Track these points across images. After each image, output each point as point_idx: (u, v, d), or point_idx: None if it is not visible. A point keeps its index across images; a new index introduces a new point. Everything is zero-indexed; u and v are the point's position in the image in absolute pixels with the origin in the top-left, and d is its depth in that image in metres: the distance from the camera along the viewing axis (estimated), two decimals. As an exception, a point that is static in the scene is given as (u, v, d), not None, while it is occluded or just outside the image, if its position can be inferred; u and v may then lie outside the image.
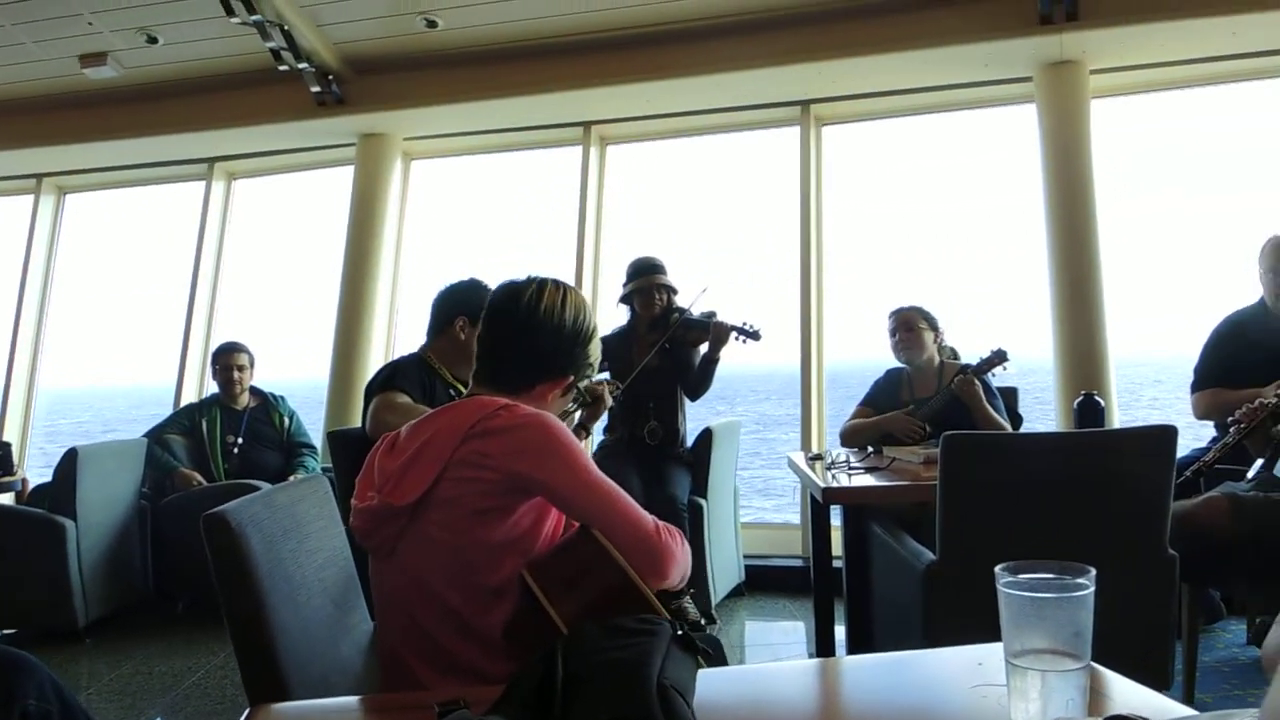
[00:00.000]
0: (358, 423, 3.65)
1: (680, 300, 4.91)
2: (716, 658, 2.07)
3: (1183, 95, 6.14)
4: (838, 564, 3.89)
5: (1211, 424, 4.19)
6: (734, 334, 4.64)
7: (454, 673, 1.78)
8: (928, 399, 4.22)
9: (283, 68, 6.05)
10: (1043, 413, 6.38)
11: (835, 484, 3.36)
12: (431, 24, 5.96)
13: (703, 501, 4.75)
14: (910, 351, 4.31)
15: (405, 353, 3.80)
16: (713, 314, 4.76)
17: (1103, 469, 2.77)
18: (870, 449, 3.93)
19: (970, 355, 4.25)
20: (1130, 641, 2.80)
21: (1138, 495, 2.80)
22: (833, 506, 3.49)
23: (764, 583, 5.50)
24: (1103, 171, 5.60)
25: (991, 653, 1.19)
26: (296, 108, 6.41)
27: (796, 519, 6.19)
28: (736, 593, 5.30)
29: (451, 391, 3.56)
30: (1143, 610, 2.85)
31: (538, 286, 2.02)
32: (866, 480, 3.46)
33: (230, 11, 5.59)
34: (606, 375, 4.71)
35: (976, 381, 4.08)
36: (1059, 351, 5.47)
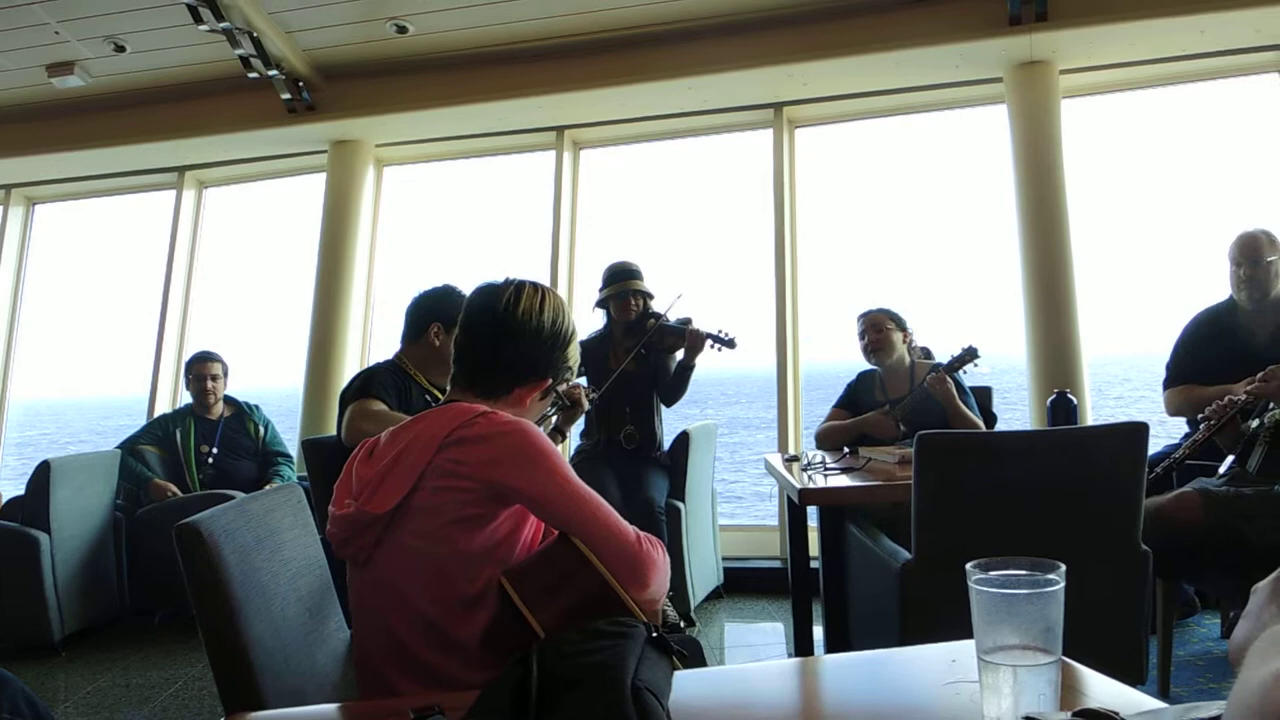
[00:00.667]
0: (333, 431, 3.63)
1: (656, 305, 4.91)
2: (695, 659, 2.07)
3: (1152, 94, 6.20)
4: (816, 564, 3.91)
5: (1183, 420, 4.23)
6: (710, 341, 4.65)
7: (432, 683, 1.76)
8: (901, 399, 4.24)
9: (252, 75, 6.02)
10: (1017, 412, 6.42)
11: (811, 485, 3.37)
12: (402, 29, 5.95)
13: (680, 505, 4.75)
14: (879, 353, 4.34)
15: (380, 360, 3.79)
16: (689, 320, 4.77)
17: (1076, 466, 2.79)
18: (846, 450, 3.95)
19: (944, 354, 4.27)
20: (1105, 636, 2.83)
21: (1110, 492, 2.82)
22: (809, 507, 3.51)
23: (743, 584, 5.51)
24: (1074, 170, 5.65)
25: (965, 649, 1.20)
26: (267, 115, 6.38)
27: (771, 520, 6.20)
28: (715, 595, 5.31)
29: (428, 397, 3.54)
30: (1117, 605, 2.87)
31: (515, 289, 2.00)
32: (842, 481, 3.48)
33: (198, 19, 5.56)
34: (584, 380, 4.71)
35: (949, 379, 4.10)
36: (1032, 350, 5.51)
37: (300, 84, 6.26)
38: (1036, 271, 5.53)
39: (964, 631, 1.19)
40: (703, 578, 5.05)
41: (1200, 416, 3.71)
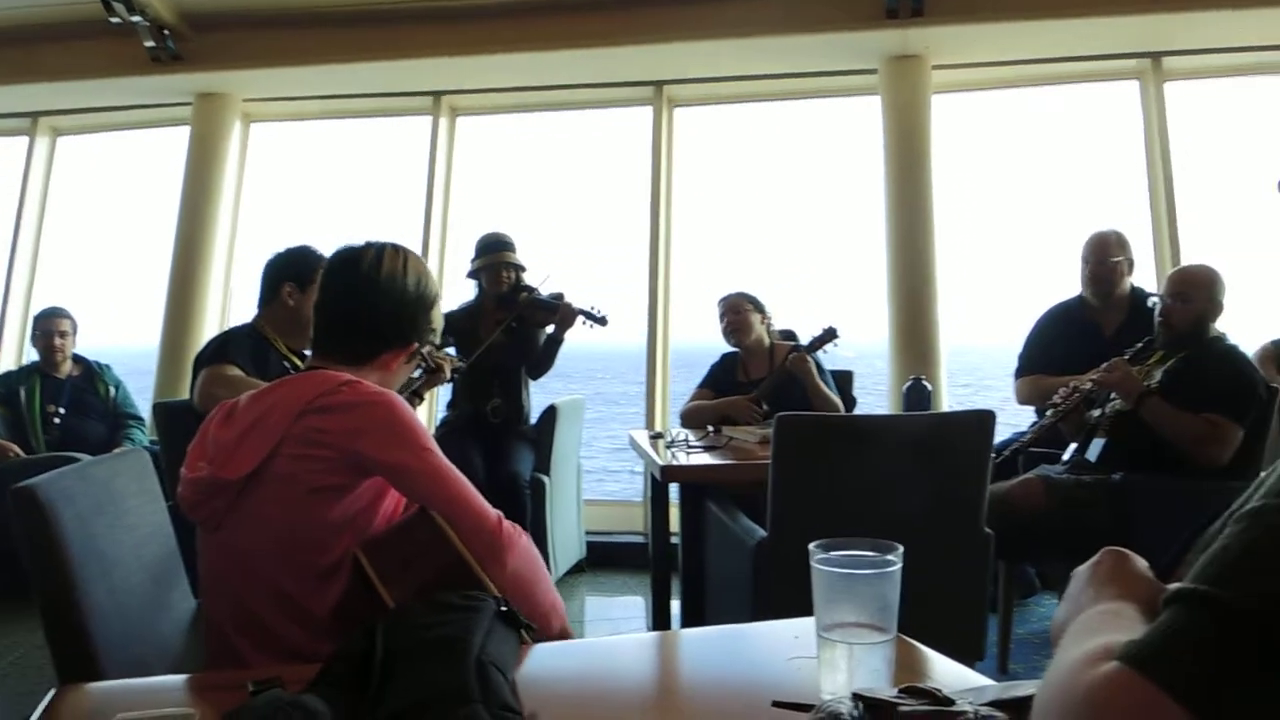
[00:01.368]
0: (188, 394, 3.52)
1: (529, 278, 4.88)
2: (550, 633, 2.07)
3: (1020, 94, 6.43)
4: (677, 540, 3.96)
5: (1032, 409, 4.41)
6: (582, 318, 4.65)
7: (281, 653, 1.72)
8: (761, 379, 4.32)
9: (115, 20, 5.73)
10: (879, 396, 6.59)
11: (674, 463, 3.41)
12: (277, -19, 5.76)
13: (545, 479, 4.75)
14: (739, 334, 4.43)
15: (239, 324, 3.69)
16: (561, 295, 4.75)
17: (926, 450, 2.89)
18: (710, 429, 4.00)
19: (809, 337, 4.36)
20: (947, 615, 2.93)
21: (957, 476, 2.93)
22: (672, 484, 3.56)
23: (606, 559, 5.54)
24: (941, 164, 5.81)
25: (807, 626, 1.23)
26: (128, 63, 6.09)
27: (636, 496, 6.25)
28: (578, 569, 5.33)
29: (286, 364, 3.46)
30: (960, 585, 2.98)
31: (376, 252, 1.94)
32: (704, 459, 3.53)
33: (58, -43, 5.29)
34: (452, 351, 4.66)
35: (809, 359, 4.19)
36: (893, 337, 5.66)
37: (165, 32, 5.99)
38: (900, 261, 5.68)
39: (813, 608, 1.23)
40: (565, 551, 5.06)
41: (1049, 404, 3.88)
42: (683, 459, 3.51)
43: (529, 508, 4.46)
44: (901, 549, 1.15)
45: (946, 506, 2.94)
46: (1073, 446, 3.76)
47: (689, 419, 4.39)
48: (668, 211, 6.24)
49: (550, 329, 4.77)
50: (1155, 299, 3.78)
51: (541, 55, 5.85)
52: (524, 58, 5.89)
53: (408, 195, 6.57)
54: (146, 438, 5.31)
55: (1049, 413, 3.85)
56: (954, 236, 6.09)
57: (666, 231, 6.22)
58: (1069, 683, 0.67)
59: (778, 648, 1.44)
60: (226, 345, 3.44)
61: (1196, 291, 3.59)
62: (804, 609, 1.41)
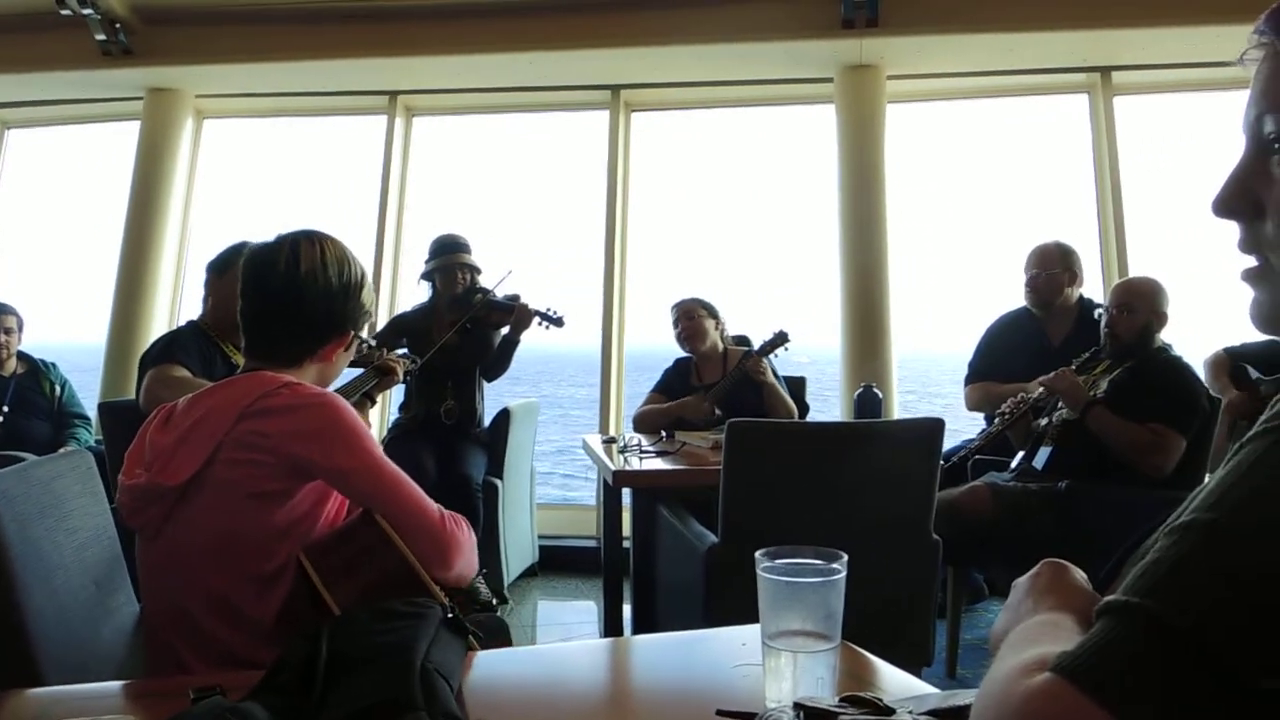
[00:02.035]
0: (134, 394, 3.47)
1: (484, 280, 4.87)
2: (502, 638, 2.07)
3: (973, 106, 6.52)
4: (629, 545, 3.97)
5: (981, 416, 4.47)
6: (538, 319, 4.64)
7: (224, 660, 1.70)
8: (714, 384, 4.34)
9: (65, 12, 5.64)
10: (831, 403, 6.63)
11: (626, 467, 3.41)
12: (231, -23, 5.70)
13: (498, 482, 4.73)
14: (693, 340, 4.46)
15: (185, 323, 3.66)
16: (516, 297, 4.74)
17: (876, 457, 2.91)
18: (663, 433, 4.01)
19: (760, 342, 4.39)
20: (896, 621, 2.97)
21: (906, 483, 2.96)
22: (624, 489, 3.56)
23: (559, 563, 5.53)
24: (894, 173, 5.86)
25: (756, 633, 1.23)
26: (78, 56, 5.99)
27: (590, 500, 6.25)
28: (530, 573, 5.31)
29: (234, 362, 3.43)
30: (909, 591, 3.01)
31: (291, 247, 1.86)
32: (657, 464, 3.53)
33: (6, -53, 5.20)
34: (404, 351, 4.63)
35: (764, 361, 4.22)
36: (846, 344, 5.70)
37: (117, 25, 5.91)
38: (853, 268, 5.72)
39: (762, 615, 1.23)
40: (518, 555, 5.04)
41: (998, 412, 3.93)
42: (635, 464, 3.51)
43: (481, 511, 4.44)
44: (846, 557, 1.16)
45: (896, 513, 2.96)
46: (1020, 455, 3.81)
47: (642, 423, 4.40)
48: (623, 215, 6.25)
49: (505, 330, 4.76)
50: (1101, 310, 3.84)
51: (498, 57, 5.84)
52: (481, 59, 5.87)
53: (363, 195, 6.53)
54: (92, 438, 5.22)
55: (996, 421, 3.91)
56: (907, 245, 6.15)
57: (622, 235, 6.22)
58: (1004, 692, 0.68)
59: (726, 655, 1.44)
60: (173, 345, 3.39)
61: (1141, 302, 3.65)
62: (756, 615, 1.42)
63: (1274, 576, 0.59)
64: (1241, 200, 0.79)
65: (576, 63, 5.96)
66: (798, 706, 0.95)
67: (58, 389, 5.33)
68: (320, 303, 1.87)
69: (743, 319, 4.86)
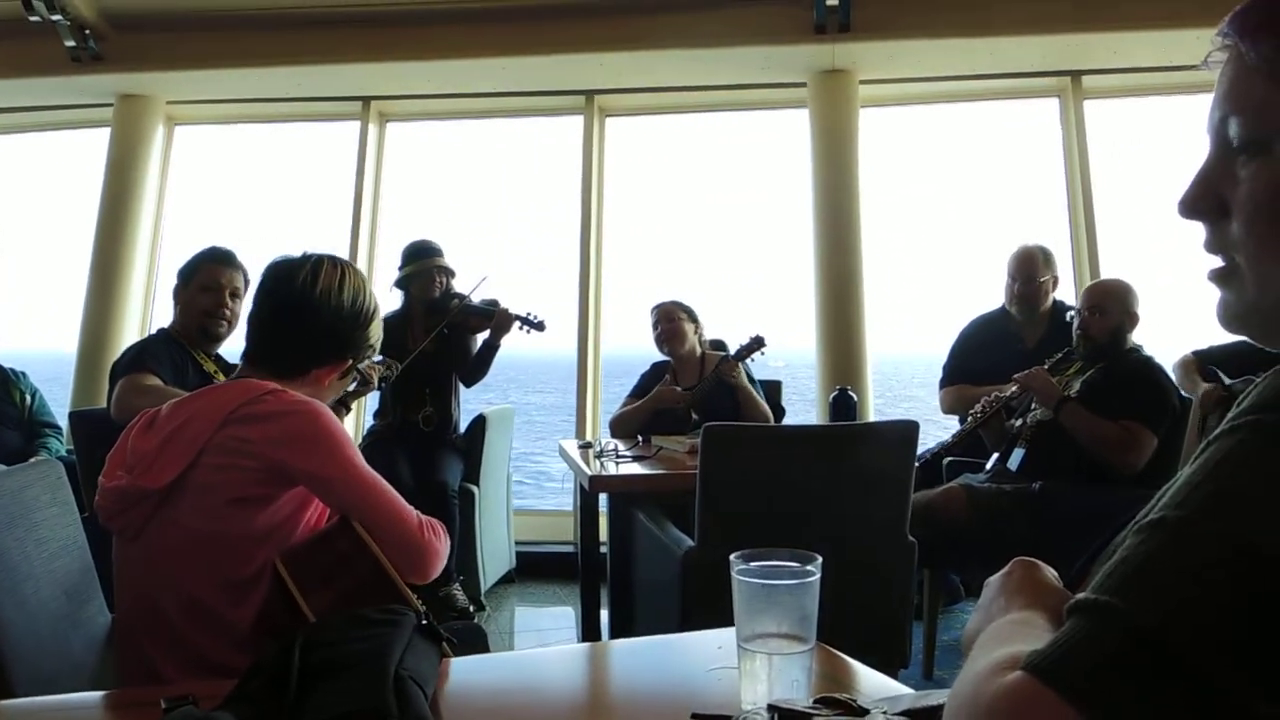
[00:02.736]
0: (105, 404, 3.44)
1: (459, 285, 4.85)
2: (478, 645, 2.07)
3: (945, 110, 6.56)
4: (606, 550, 3.97)
5: (956, 418, 4.49)
6: (518, 323, 4.63)
7: (198, 666, 1.70)
8: (691, 388, 4.34)
9: (34, 19, 5.58)
10: (808, 406, 6.66)
11: (602, 473, 3.41)
12: (201, -18, 5.66)
13: (474, 488, 4.72)
14: (672, 343, 4.46)
15: (155, 330, 3.64)
16: (495, 302, 4.74)
17: (851, 460, 2.93)
18: (640, 438, 4.01)
19: (736, 346, 4.40)
20: (873, 622, 2.98)
21: (882, 485, 2.97)
22: (601, 494, 3.56)
23: (536, 569, 5.51)
24: (868, 177, 5.89)
25: (731, 636, 1.24)
26: (48, 63, 5.93)
27: (567, 505, 6.24)
28: (507, 579, 5.30)
29: (206, 370, 3.41)
30: (884, 593, 3.02)
31: (313, 265, 1.91)
32: (633, 469, 3.53)
33: (-27, -47, 5.15)
34: (379, 358, 4.61)
35: (739, 366, 4.23)
36: (821, 348, 5.71)
37: (86, 31, 5.86)
38: (828, 272, 5.74)
39: (736, 619, 1.23)
40: (495, 562, 5.03)
41: (971, 412, 3.96)
42: (612, 469, 3.51)
43: (458, 518, 4.43)
44: (820, 559, 1.17)
45: (872, 515, 2.97)
46: (995, 456, 3.84)
47: (619, 426, 4.40)
48: (598, 220, 6.25)
49: (484, 335, 4.75)
50: (1073, 312, 3.87)
51: (471, 62, 5.83)
52: (454, 64, 5.86)
53: (336, 202, 6.50)
54: (63, 447, 5.17)
55: (970, 418, 3.93)
56: (881, 249, 6.19)
57: (597, 240, 6.22)
58: (975, 691, 0.68)
59: (701, 658, 1.44)
60: (143, 354, 3.37)
61: (1111, 303, 3.68)
62: (732, 618, 1.43)
63: (1239, 574, 0.60)
64: (1207, 201, 0.80)
65: (550, 68, 5.95)
66: (772, 708, 0.95)
67: (28, 398, 5.27)
68: (327, 322, 1.89)
69: (718, 323, 4.86)
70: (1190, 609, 0.60)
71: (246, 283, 3.56)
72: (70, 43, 5.82)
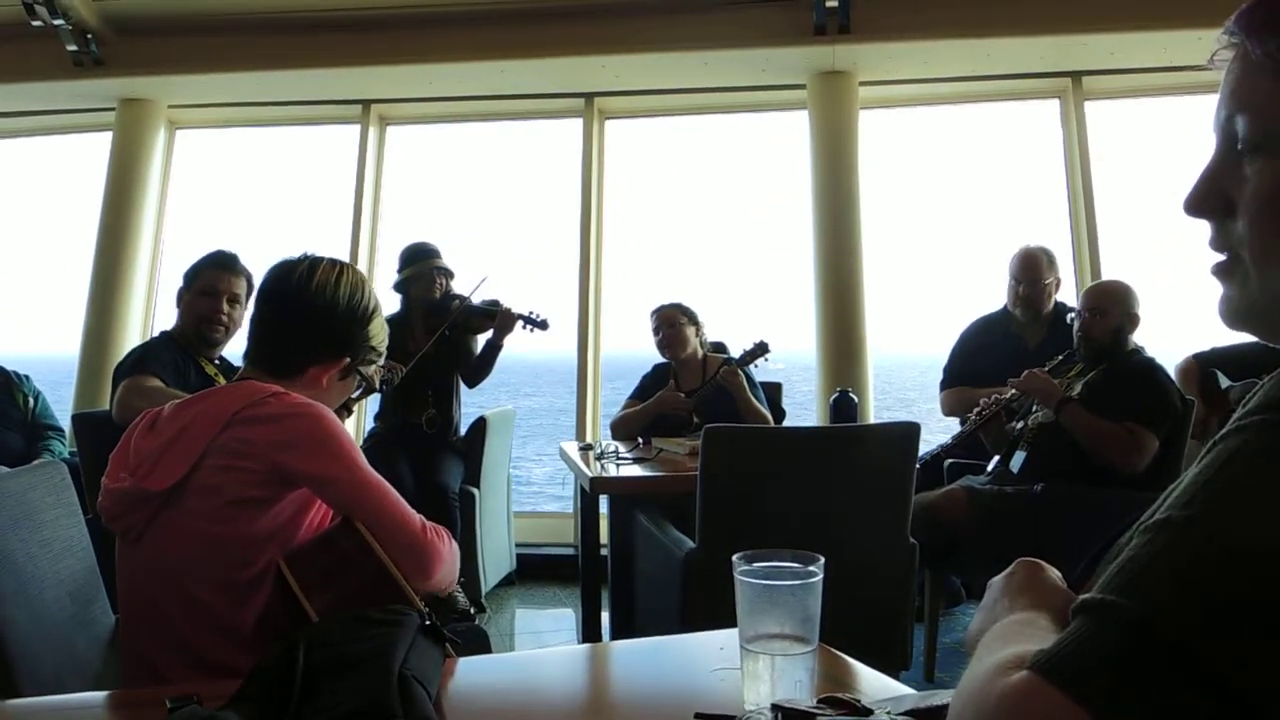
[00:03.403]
0: (107, 406, 3.44)
1: (460, 287, 4.85)
2: (480, 647, 2.07)
3: (945, 111, 6.56)
4: (607, 552, 3.97)
5: (957, 420, 4.49)
6: (521, 322, 4.63)
7: (203, 668, 1.70)
8: (693, 391, 4.34)
9: (36, 23, 5.59)
10: (808, 408, 6.66)
11: (604, 474, 3.41)
12: (202, -14, 5.66)
13: (475, 491, 4.72)
14: (674, 347, 4.45)
15: (157, 333, 3.65)
16: (496, 302, 4.73)
17: (851, 462, 2.93)
18: (640, 440, 4.01)
19: (739, 349, 4.40)
20: (874, 624, 2.97)
21: (883, 487, 2.97)
22: (602, 495, 3.56)
23: (536, 571, 5.51)
24: (868, 179, 5.89)
25: (733, 637, 1.24)
26: (50, 67, 5.94)
27: (567, 507, 6.25)
28: (508, 581, 5.29)
29: (208, 373, 3.41)
30: (886, 595, 3.02)
31: (309, 264, 1.91)
32: (634, 470, 3.53)
33: (-26, -43, 5.15)
34: (380, 362, 4.60)
35: (740, 372, 4.23)
36: (821, 349, 5.71)
37: (89, 36, 5.87)
38: (829, 274, 5.74)
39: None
40: (495, 564, 5.03)
41: (972, 413, 3.96)
42: (612, 471, 3.51)
43: (458, 520, 4.43)
44: (823, 560, 1.17)
45: (873, 517, 2.97)
46: (996, 458, 3.83)
47: (620, 428, 4.39)
48: (598, 223, 6.25)
49: (484, 336, 4.74)
50: (1073, 314, 3.87)
51: (471, 65, 5.83)
52: (454, 68, 5.87)
53: (336, 205, 6.50)
54: (66, 450, 5.17)
55: (970, 420, 3.93)
56: (882, 250, 6.20)
57: (597, 243, 6.22)
58: (981, 691, 0.68)
59: (703, 659, 1.44)
60: (146, 356, 3.38)
61: (1112, 305, 3.68)
62: (734, 620, 1.43)
63: (1246, 573, 0.60)
64: (1212, 200, 0.80)
65: (550, 71, 5.96)
66: (776, 709, 0.95)
67: (30, 400, 5.27)
68: (321, 320, 1.89)
69: (719, 325, 4.87)
70: (1197, 608, 0.60)
71: (250, 288, 3.56)
72: (72, 47, 5.83)
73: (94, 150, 6.59)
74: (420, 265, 4.78)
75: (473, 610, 4.50)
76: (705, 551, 2.85)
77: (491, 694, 1.43)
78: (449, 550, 1.83)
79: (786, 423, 4.73)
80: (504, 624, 4.82)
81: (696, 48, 5.61)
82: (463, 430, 4.99)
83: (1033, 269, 4.38)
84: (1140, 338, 3.75)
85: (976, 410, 3.89)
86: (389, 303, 4.91)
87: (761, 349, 4.26)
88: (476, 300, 4.75)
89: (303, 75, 5.97)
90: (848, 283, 5.70)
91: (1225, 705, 0.58)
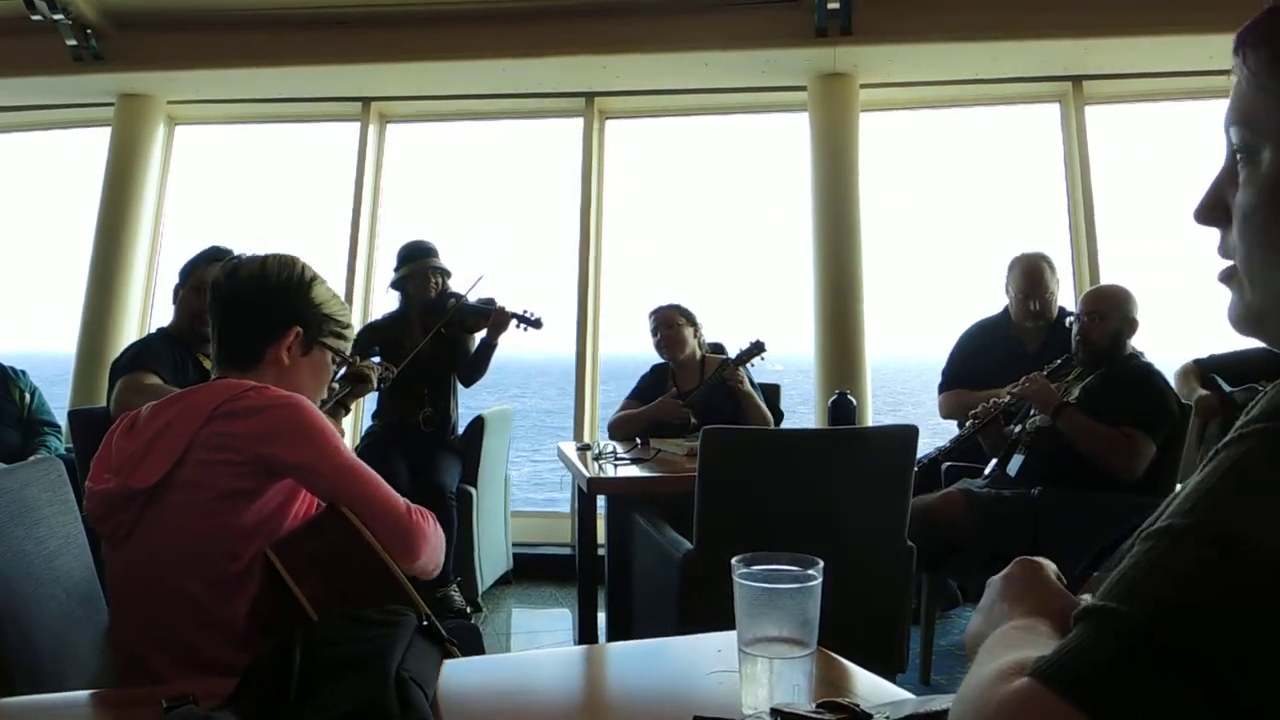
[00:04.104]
0: (104, 403, 3.44)
1: (457, 286, 4.85)
2: (474, 647, 2.07)
3: (945, 115, 6.56)
4: (604, 553, 3.97)
5: (955, 423, 4.49)
6: (515, 321, 4.62)
7: (195, 665, 1.70)
8: (691, 392, 4.34)
9: (36, 18, 5.58)
10: (807, 411, 6.66)
11: (601, 475, 3.41)
12: (202, -18, 5.65)
13: (472, 490, 4.72)
14: (672, 349, 4.45)
15: (154, 330, 3.64)
16: (491, 300, 4.73)
17: (850, 464, 2.93)
18: (638, 441, 4.01)
19: (736, 350, 4.41)
20: (871, 627, 2.97)
21: (881, 490, 2.97)
22: (599, 496, 3.56)
23: (533, 571, 5.51)
24: (868, 182, 5.89)
25: (731, 639, 1.23)
26: (49, 62, 5.93)
27: (565, 507, 6.24)
28: (504, 580, 5.29)
29: (206, 369, 3.41)
30: (883, 598, 3.02)
31: (235, 261, 1.98)
32: (631, 471, 3.53)
33: (-26, -49, 5.14)
34: (377, 359, 4.60)
35: (740, 370, 4.23)
36: (820, 352, 5.71)
37: (88, 31, 5.86)
38: (828, 276, 5.74)
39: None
40: (492, 564, 5.03)
41: (969, 415, 3.96)
42: (610, 471, 3.51)
43: (455, 520, 4.43)
44: (821, 563, 1.16)
45: (871, 520, 2.97)
46: (993, 462, 3.83)
47: (617, 429, 4.39)
48: (598, 223, 6.25)
49: (481, 334, 4.74)
50: (1072, 318, 3.87)
51: (472, 64, 5.82)
52: (454, 66, 5.86)
53: (336, 203, 6.49)
54: (62, 446, 5.16)
55: (968, 424, 3.93)
56: (881, 253, 6.21)
57: (596, 243, 6.22)
58: (981, 698, 0.68)
59: (701, 662, 1.44)
60: (143, 353, 3.37)
61: (1111, 309, 3.68)
62: (731, 622, 1.42)
63: (1248, 580, 0.60)
64: (1217, 210, 0.82)
65: (550, 70, 5.95)
66: (774, 713, 0.95)
67: (27, 396, 5.26)
68: (258, 299, 1.93)
69: (717, 326, 4.86)
70: (1198, 615, 0.60)
71: None
72: (71, 42, 5.82)
73: (93, 146, 6.59)
74: (416, 264, 4.78)
75: (469, 609, 4.52)
76: (703, 553, 2.85)
77: (486, 695, 1.43)
78: (434, 531, 1.84)
79: (785, 424, 4.73)
80: (500, 623, 4.81)
81: (697, 48, 5.61)
82: (460, 429, 4.98)
83: (1039, 280, 4.38)
84: (1139, 343, 3.75)
85: (974, 414, 3.89)
86: (387, 301, 4.92)
87: (758, 348, 4.27)
88: (472, 299, 4.75)
89: (303, 72, 5.96)
90: (847, 284, 5.70)
91: (1226, 710, 0.58)
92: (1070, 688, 0.61)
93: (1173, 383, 3.86)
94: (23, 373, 5.32)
